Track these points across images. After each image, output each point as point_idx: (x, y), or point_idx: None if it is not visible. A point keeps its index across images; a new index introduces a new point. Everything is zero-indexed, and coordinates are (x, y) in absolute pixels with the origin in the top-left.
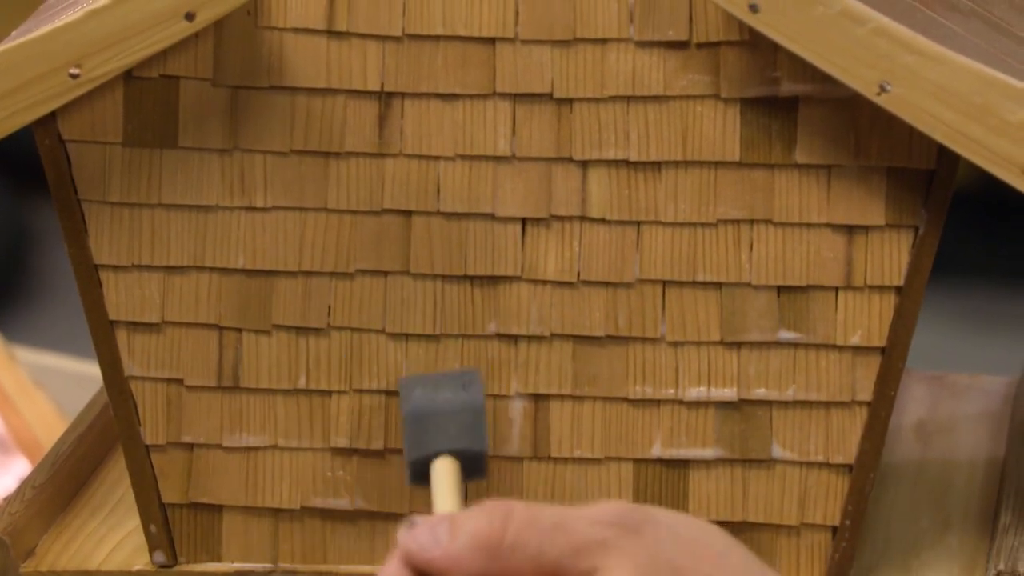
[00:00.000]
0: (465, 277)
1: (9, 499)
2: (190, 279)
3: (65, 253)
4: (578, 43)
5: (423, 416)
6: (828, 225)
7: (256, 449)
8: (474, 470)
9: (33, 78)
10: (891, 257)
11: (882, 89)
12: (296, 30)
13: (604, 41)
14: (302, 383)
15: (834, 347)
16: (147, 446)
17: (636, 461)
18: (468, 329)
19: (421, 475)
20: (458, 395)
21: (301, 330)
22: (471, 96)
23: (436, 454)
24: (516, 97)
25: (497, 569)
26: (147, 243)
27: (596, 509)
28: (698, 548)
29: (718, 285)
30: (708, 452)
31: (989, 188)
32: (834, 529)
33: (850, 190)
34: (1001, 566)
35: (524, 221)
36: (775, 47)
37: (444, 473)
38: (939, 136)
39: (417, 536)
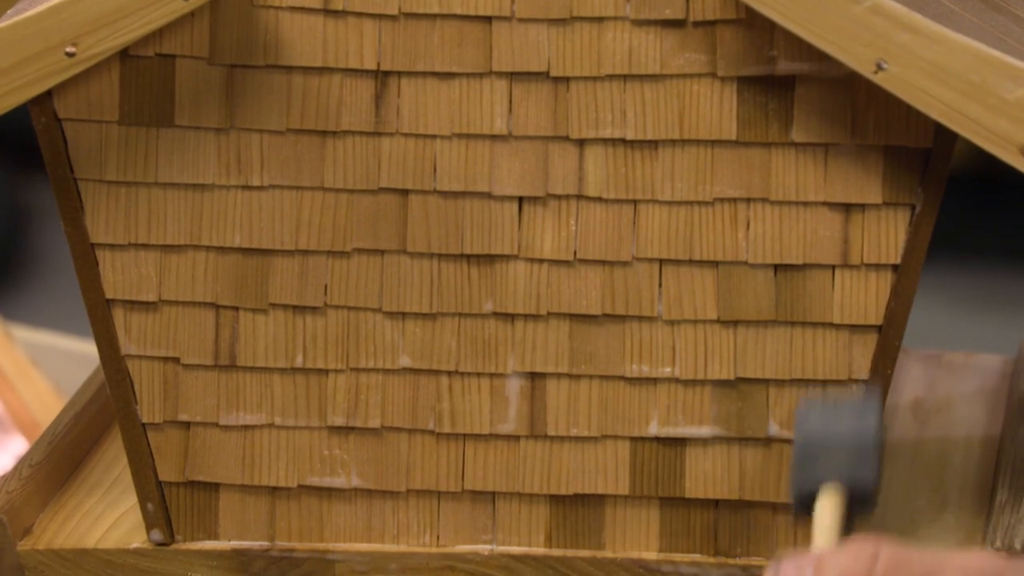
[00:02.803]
0: (462, 256)
1: (6, 477)
2: (187, 258)
3: (62, 232)
4: (575, 22)
5: (813, 445)
6: (825, 204)
7: (253, 428)
8: (861, 503)
9: (29, 57)
10: (888, 236)
11: (879, 68)
12: (292, 9)
13: (601, 20)
14: (299, 362)
15: (831, 325)
16: (144, 424)
17: (633, 439)
18: (465, 308)
19: (807, 507)
20: (852, 426)
21: (298, 309)
22: (467, 75)
23: (822, 485)
24: (513, 76)
25: None
26: (144, 222)
27: (968, 559)
28: None
29: (715, 264)
30: (705, 430)
31: (986, 166)
32: None
33: (847, 169)
34: (998, 543)
35: (521, 200)
36: (772, 26)
37: (827, 508)
38: (936, 115)
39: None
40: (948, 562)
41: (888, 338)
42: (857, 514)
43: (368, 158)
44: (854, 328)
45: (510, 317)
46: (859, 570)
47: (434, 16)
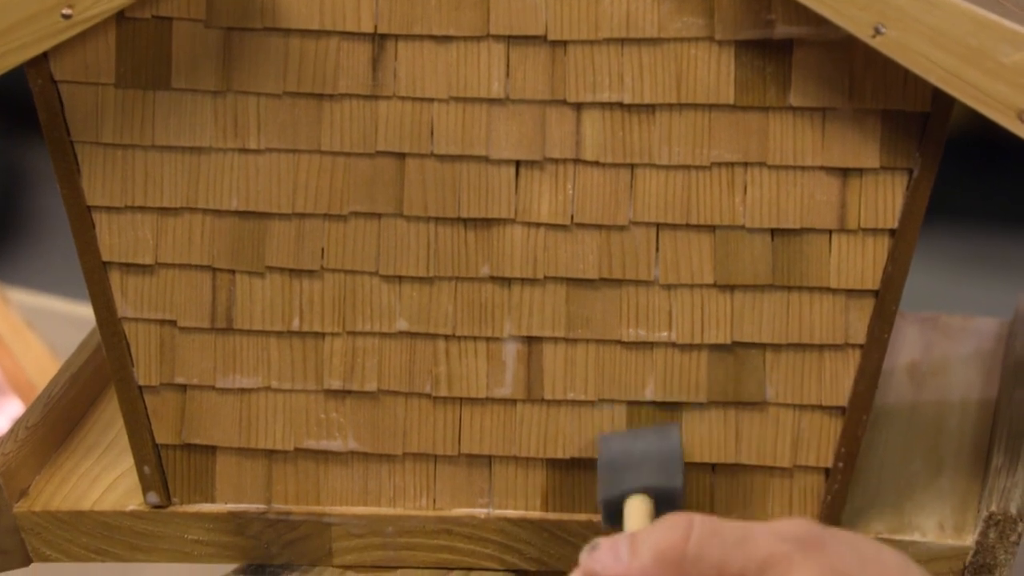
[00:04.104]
0: (459, 219)
1: (2, 440)
2: (183, 220)
3: (58, 195)
4: None
5: (617, 462)
6: (822, 168)
7: (249, 391)
8: (668, 508)
9: (25, 18)
10: (885, 200)
11: (876, 32)
12: None
13: None
14: (296, 325)
15: (827, 290)
16: (140, 387)
17: (629, 404)
18: (461, 271)
19: (615, 515)
20: (654, 443)
21: (294, 272)
22: (465, 38)
23: (628, 492)
24: (510, 39)
25: None
26: (140, 184)
27: (779, 525)
28: (878, 566)
29: (712, 228)
30: (701, 395)
31: (984, 130)
32: (827, 471)
33: (844, 133)
34: (993, 507)
35: (518, 164)
36: None
37: (636, 508)
38: (934, 79)
39: (599, 557)
40: (761, 529)
41: (885, 302)
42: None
43: (365, 122)
44: (851, 292)
45: (507, 281)
46: (674, 539)
47: None
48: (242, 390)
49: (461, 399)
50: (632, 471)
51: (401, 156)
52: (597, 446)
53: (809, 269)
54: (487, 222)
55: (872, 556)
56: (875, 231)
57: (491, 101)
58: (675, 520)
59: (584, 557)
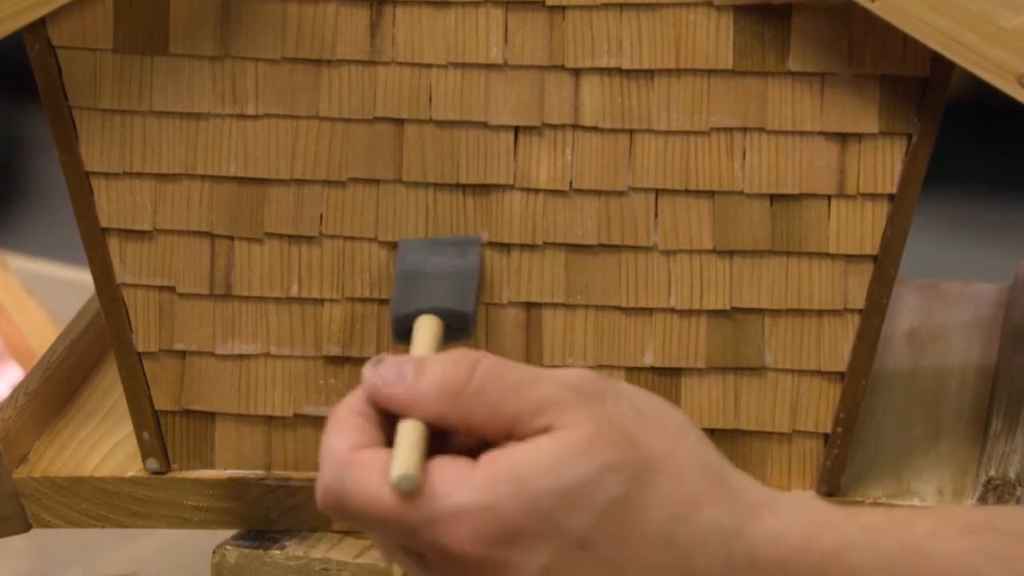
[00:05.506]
0: (457, 185)
1: (2, 406)
2: (182, 186)
3: (56, 161)
4: None
5: (413, 276)
6: (821, 133)
7: (248, 357)
8: (458, 330)
9: None
10: (884, 165)
11: None
12: None
13: None
14: (294, 291)
15: (827, 255)
16: (139, 353)
17: (628, 369)
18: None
19: (405, 332)
20: (452, 260)
21: (293, 238)
22: (463, 3)
23: (420, 312)
24: (508, 4)
25: (456, 415)
26: (138, 150)
27: (563, 373)
28: (657, 423)
29: (711, 194)
30: (700, 361)
31: (983, 96)
32: (826, 436)
33: (843, 98)
34: (992, 472)
35: (516, 129)
36: None
37: (425, 328)
38: (933, 43)
39: (382, 372)
40: (544, 375)
41: (884, 268)
42: (454, 340)
43: (363, 87)
44: (850, 258)
45: (506, 247)
46: (459, 374)
47: None
48: (241, 356)
49: None
50: (425, 289)
51: (400, 122)
52: (397, 254)
53: (808, 235)
54: (486, 188)
55: (651, 414)
56: (874, 196)
57: (489, 67)
58: (463, 355)
59: (368, 370)
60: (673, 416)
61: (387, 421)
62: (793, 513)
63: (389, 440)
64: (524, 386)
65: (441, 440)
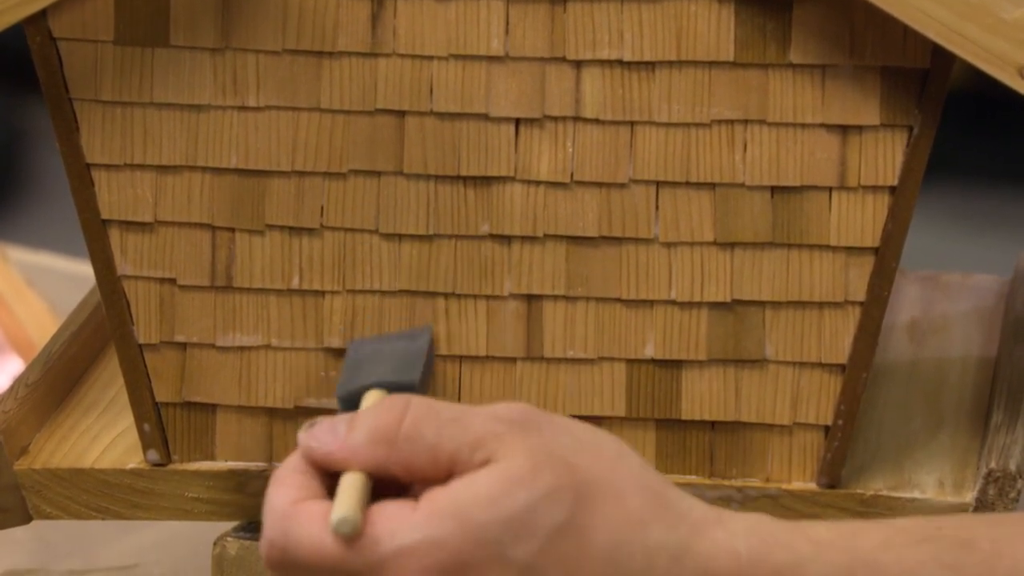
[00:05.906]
0: (458, 177)
1: (2, 397)
2: (183, 178)
3: (57, 152)
4: None
5: (360, 361)
6: (822, 125)
7: (249, 349)
8: None
9: None
10: (885, 157)
11: None
12: None
13: None
14: (295, 283)
15: (827, 247)
16: (140, 345)
17: (629, 361)
18: (461, 230)
19: (352, 405)
20: (400, 343)
21: (294, 230)
22: None
23: (365, 388)
24: None
25: (395, 460)
26: (139, 142)
27: (497, 407)
28: (595, 449)
29: (712, 186)
30: (701, 353)
31: (984, 87)
32: (826, 429)
33: (844, 90)
34: (993, 464)
35: (518, 121)
36: None
37: (371, 401)
38: (933, 35)
39: (316, 433)
40: (478, 411)
41: (885, 260)
42: None
43: (364, 79)
44: (851, 250)
45: (507, 239)
46: (391, 419)
47: None
48: (242, 348)
49: (461, 357)
50: (370, 369)
51: (401, 114)
52: (348, 349)
53: (809, 227)
54: (487, 180)
55: (588, 441)
56: (875, 188)
57: (491, 59)
58: (393, 401)
59: (302, 434)
60: (611, 442)
61: (329, 478)
62: (744, 529)
63: (332, 495)
64: (459, 423)
65: (397, 494)
